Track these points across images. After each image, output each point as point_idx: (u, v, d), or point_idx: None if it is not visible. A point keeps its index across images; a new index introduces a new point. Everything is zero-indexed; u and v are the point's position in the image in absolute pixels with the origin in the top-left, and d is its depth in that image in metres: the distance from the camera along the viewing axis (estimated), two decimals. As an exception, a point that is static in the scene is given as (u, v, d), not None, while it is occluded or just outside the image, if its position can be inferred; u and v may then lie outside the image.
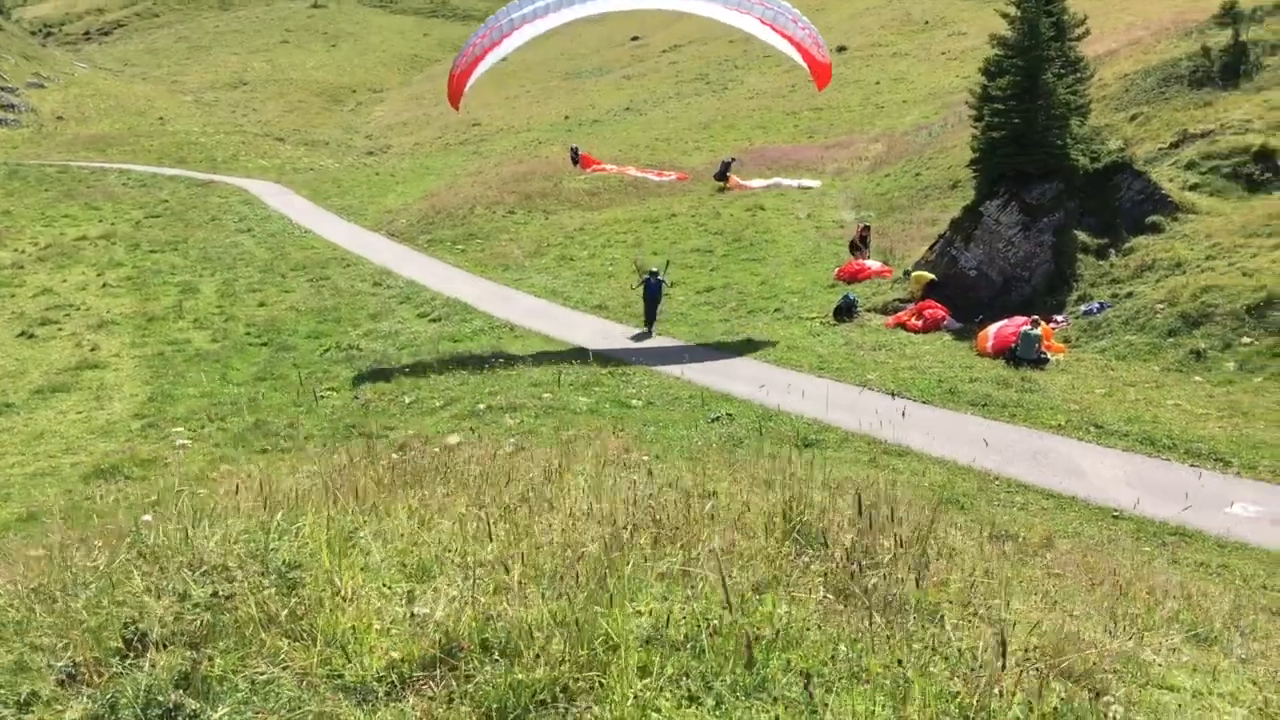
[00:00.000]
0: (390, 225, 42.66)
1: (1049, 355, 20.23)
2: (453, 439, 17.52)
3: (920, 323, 23.56)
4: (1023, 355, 20.04)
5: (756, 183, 42.33)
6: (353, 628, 4.03)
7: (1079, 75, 24.37)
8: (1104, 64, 36.38)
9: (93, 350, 26.38)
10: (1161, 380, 18.66)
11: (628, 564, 4.45)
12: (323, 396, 22.01)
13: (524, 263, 34.49)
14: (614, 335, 25.45)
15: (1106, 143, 24.97)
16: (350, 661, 3.92)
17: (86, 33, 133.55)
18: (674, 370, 21.36)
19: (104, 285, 33.64)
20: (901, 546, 5.53)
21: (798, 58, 24.29)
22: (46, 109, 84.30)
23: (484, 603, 4.14)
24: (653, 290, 25.08)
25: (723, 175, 42.01)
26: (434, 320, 28.28)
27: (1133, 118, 32.33)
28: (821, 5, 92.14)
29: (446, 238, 38.78)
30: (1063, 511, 13.49)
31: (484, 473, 7.63)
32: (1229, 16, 31.16)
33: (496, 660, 3.90)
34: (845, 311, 25.00)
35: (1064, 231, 23.70)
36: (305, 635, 3.99)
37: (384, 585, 4.38)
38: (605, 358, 22.60)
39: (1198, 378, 18.66)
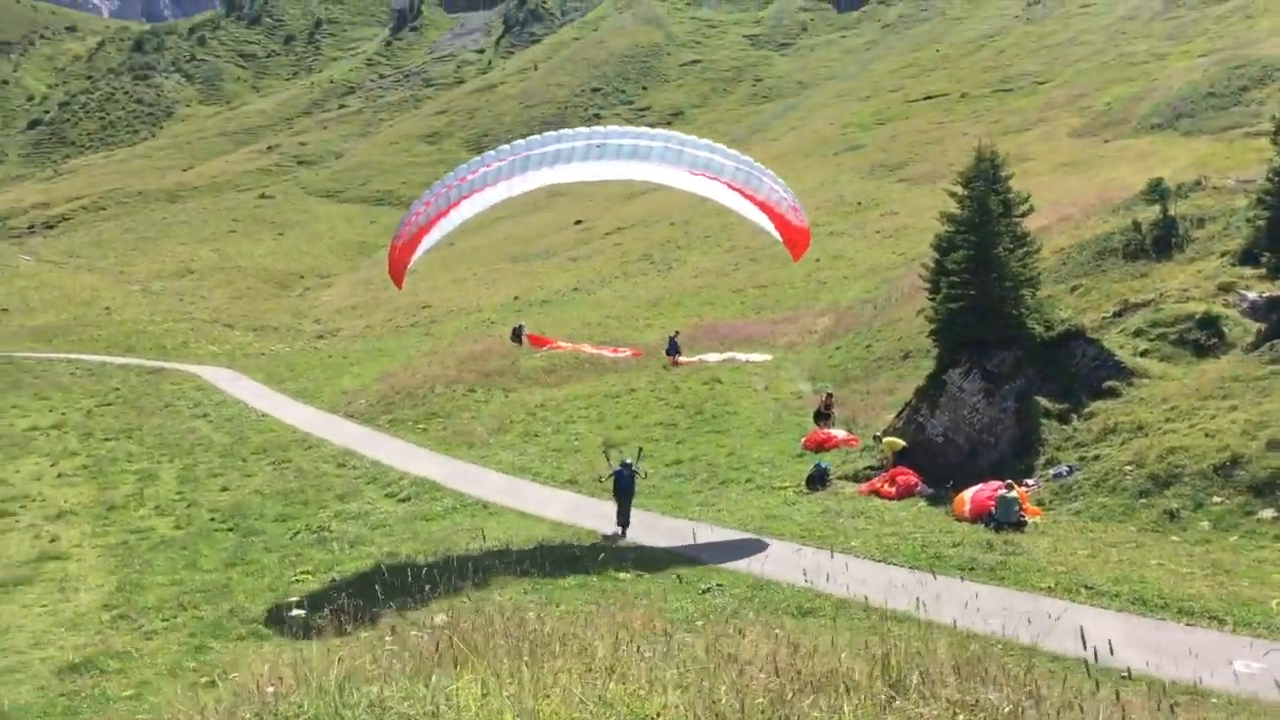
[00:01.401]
0: (348, 406, 42.59)
1: (1027, 518, 20.56)
2: (440, 618, 17.26)
3: (894, 489, 23.90)
4: (1001, 519, 20.36)
5: (711, 357, 43.15)
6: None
7: (1027, 249, 25.58)
8: (1039, 239, 38.17)
9: (52, 541, 25.64)
10: (1140, 540, 19.03)
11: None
12: (297, 581, 21.58)
13: (488, 440, 34.52)
14: (587, 511, 25.39)
15: (1059, 311, 26.06)
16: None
17: (31, 226, 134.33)
18: (659, 543, 21.34)
19: (59, 475, 32.96)
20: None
21: (769, 225, 22.12)
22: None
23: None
24: (625, 483, 22.57)
25: (672, 351, 42.75)
26: (403, 500, 28.03)
27: (1073, 289, 33.86)
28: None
29: (408, 417, 38.77)
30: (1072, 674, 13.49)
31: (532, 645, 7.57)
32: (1156, 193, 33.18)
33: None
34: (818, 480, 25.29)
35: (1026, 397, 24.45)
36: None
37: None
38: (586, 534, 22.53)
39: (1174, 537, 19.06)
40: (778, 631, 8.70)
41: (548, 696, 4.81)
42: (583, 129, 21.43)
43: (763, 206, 21.43)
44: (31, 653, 18.29)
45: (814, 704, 5.04)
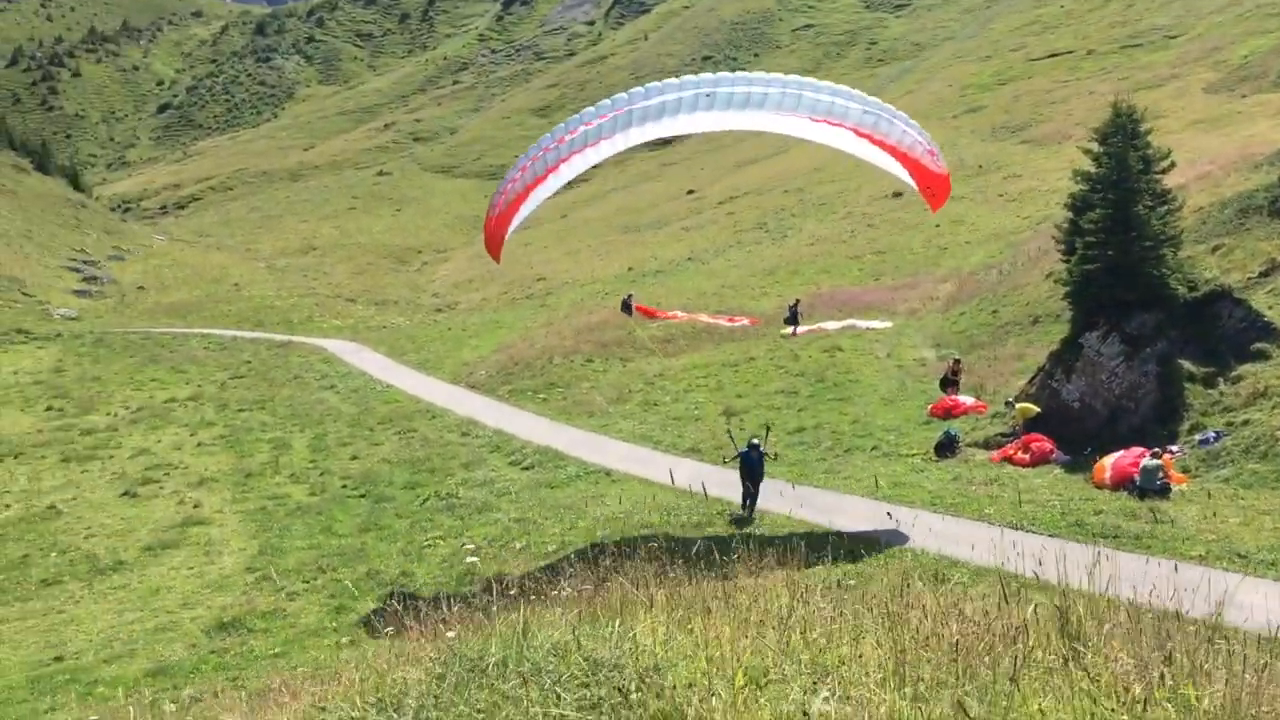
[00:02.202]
0: (469, 377, 43.28)
1: (1172, 485, 19.75)
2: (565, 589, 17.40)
3: (1028, 456, 23.21)
4: (1145, 486, 19.59)
5: (830, 325, 42.47)
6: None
7: (1169, 206, 24.48)
8: (1181, 196, 36.60)
9: (196, 507, 26.72)
10: (1297, 507, 18.10)
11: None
12: (429, 545, 22.03)
13: (608, 409, 34.68)
14: (712, 478, 25.25)
15: (1203, 272, 24.90)
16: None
17: (163, 207, 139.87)
18: (784, 508, 21.11)
19: (198, 444, 34.28)
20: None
21: (904, 173, 19.84)
22: (127, 279, 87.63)
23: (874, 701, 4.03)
24: (753, 464, 21.05)
25: (791, 320, 41.93)
26: (527, 468, 28.37)
27: (1214, 249, 32.25)
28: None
29: (527, 387, 39.21)
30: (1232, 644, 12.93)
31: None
32: (1306, 146, 31.35)
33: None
34: (947, 447, 24.74)
35: (1168, 361, 23.44)
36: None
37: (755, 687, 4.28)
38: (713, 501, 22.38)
39: (1333, 504, 18.08)
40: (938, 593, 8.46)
41: (729, 642, 4.73)
42: (690, 77, 18.96)
43: (895, 152, 19.14)
44: (181, 613, 19.08)
45: (1003, 654, 4.85)
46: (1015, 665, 4.22)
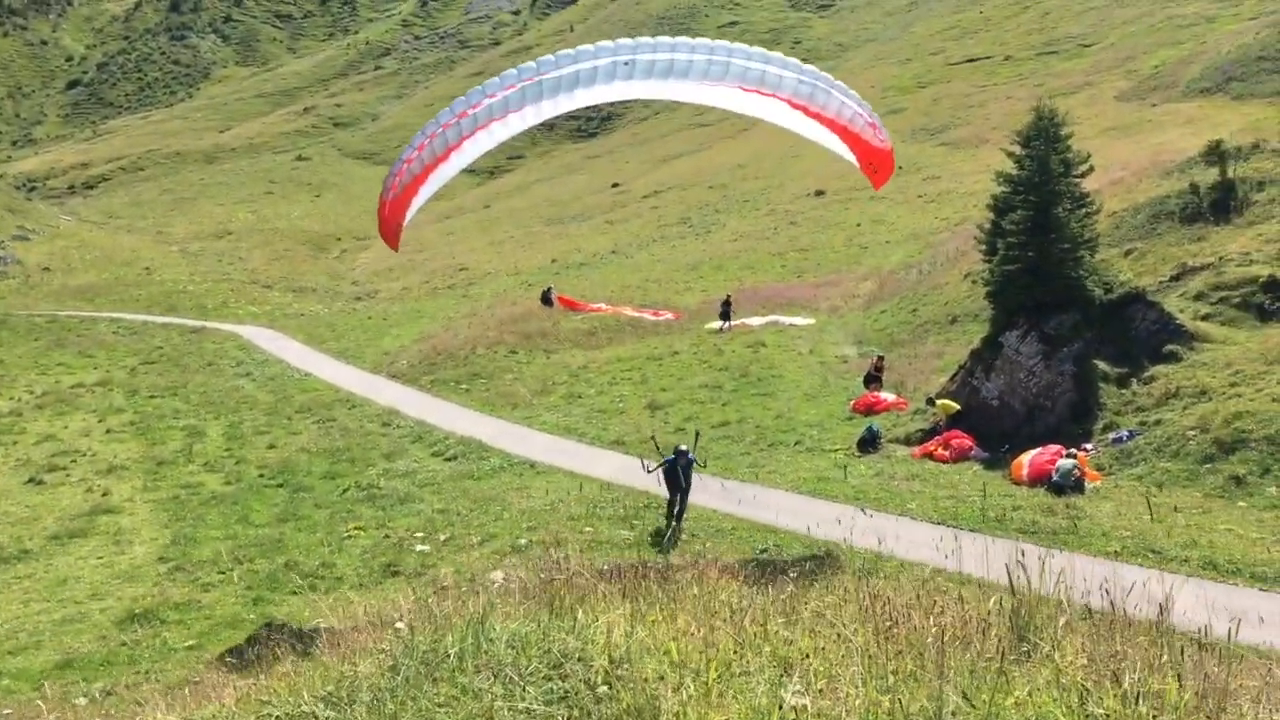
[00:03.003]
0: (390, 367, 42.67)
1: (1087, 483, 20.23)
2: (496, 575, 17.20)
3: (948, 453, 23.59)
4: (1061, 483, 20.03)
5: (754, 320, 42.71)
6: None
7: (1087, 209, 25.07)
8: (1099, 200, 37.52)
9: (104, 495, 25.85)
10: (1207, 505, 18.66)
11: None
12: (349, 536, 21.61)
13: (532, 401, 34.44)
14: (636, 471, 25.22)
15: (1117, 275, 25.55)
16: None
17: (71, 186, 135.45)
18: (711, 504, 21.14)
19: (107, 431, 33.19)
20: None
21: (843, 148, 18.13)
22: (32, 260, 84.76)
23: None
24: (680, 474, 18.86)
25: (725, 315, 41.96)
26: (449, 459, 28.02)
27: (1127, 253, 33.18)
28: (797, 152, 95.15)
29: (450, 378, 38.75)
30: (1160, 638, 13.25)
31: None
32: (1216, 155, 32.38)
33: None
34: (869, 443, 25.04)
35: (1084, 360, 24.02)
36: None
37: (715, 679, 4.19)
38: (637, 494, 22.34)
39: (1241, 503, 18.66)
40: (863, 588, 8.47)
41: (686, 635, 4.65)
42: (606, 43, 16.67)
43: (834, 125, 17.43)
44: (90, 604, 18.44)
45: (959, 649, 4.86)
46: (1002, 656, 4.23)
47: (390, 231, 17.91)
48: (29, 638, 16.95)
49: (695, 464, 19.14)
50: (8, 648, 16.57)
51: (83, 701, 13.65)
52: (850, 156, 18.03)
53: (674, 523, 19.16)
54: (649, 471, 19.21)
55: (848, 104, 17.14)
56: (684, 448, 19.05)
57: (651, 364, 37.70)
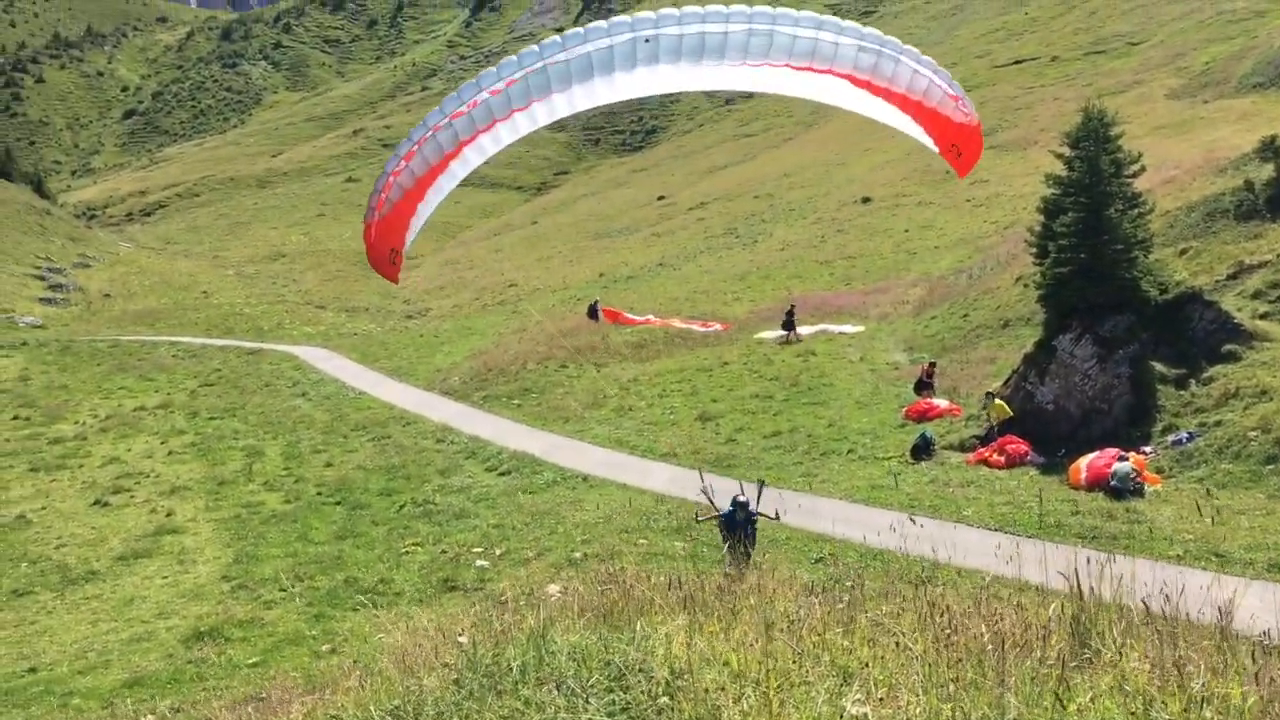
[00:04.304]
0: (443, 384, 43.10)
1: (1146, 486, 19.95)
2: (553, 588, 17.33)
3: (1003, 459, 23.37)
4: (1120, 487, 19.78)
5: (803, 329, 42.45)
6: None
7: (1140, 210, 24.76)
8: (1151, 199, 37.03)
9: (168, 516, 26.41)
10: (1271, 507, 18.32)
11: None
12: (406, 552, 21.88)
13: (583, 414, 34.62)
14: (689, 483, 25.26)
15: (1172, 275, 25.20)
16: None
17: (129, 214, 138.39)
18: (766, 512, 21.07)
19: (169, 452, 33.89)
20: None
21: (916, 130, 14.23)
22: (94, 287, 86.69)
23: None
24: (738, 527, 15.01)
25: (788, 326, 41.48)
26: (503, 474, 28.27)
27: (1182, 252, 32.70)
28: (842, 159, 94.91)
29: (501, 393, 39.08)
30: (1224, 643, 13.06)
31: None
32: (1270, 150, 31.82)
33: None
34: (923, 450, 24.86)
35: (1140, 362, 23.70)
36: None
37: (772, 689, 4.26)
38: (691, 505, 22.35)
39: (1307, 503, 18.31)
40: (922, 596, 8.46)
41: (745, 646, 4.72)
42: (622, 18, 13.19)
43: (904, 102, 14.01)
44: (157, 623, 18.83)
45: (1020, 656, 4.87)
46: (1063, 663, 4.25)
47: (381, 258, 13.74)
48: (98, 657, 17.35)
49: (758, 516, 15.30)
50: (78, 667, 16.97)
51: (152, 719, 13.95)
52: (926, 139, 14.58)
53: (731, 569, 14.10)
54: (699, 522, 16.49)
55: (921, 72, 13.91)
56: (744, 498, 15.36)
57: (701, 375, 37.75)
